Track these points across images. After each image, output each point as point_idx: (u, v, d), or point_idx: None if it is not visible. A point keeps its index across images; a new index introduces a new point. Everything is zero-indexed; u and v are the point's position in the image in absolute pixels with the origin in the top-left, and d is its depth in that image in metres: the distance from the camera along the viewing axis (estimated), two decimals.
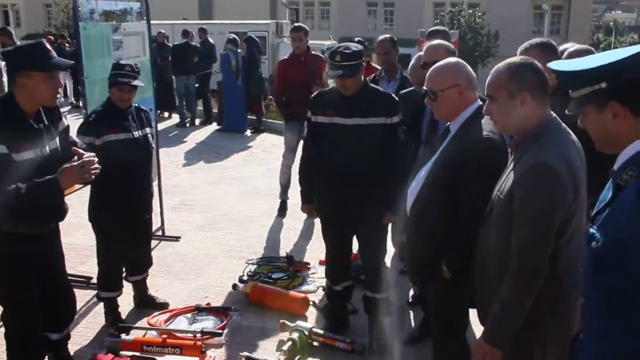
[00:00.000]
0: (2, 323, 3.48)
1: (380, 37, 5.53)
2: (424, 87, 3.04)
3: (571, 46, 3.79)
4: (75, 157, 3.08)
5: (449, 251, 2.90)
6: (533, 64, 2.42)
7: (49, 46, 3.17)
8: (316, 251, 5.86)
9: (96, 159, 3.11)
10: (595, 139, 1.90)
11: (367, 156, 3.84)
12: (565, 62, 1.95)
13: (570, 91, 1.87)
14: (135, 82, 4.21)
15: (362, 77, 3.93)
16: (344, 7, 37.47)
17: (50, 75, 3.10)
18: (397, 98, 4.06)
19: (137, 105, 4.42)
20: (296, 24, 7.12)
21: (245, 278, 5.08)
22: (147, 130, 4.44)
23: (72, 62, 3.48)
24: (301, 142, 6.82)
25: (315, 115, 4.04)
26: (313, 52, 7.12)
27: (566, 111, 2.00)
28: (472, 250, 2.74)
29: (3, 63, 6.09)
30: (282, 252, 5.79)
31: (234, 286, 4.92)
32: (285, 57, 7.19)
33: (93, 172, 3.08)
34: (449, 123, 3.00)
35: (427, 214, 2.97)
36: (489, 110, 2.51)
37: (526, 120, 2.40)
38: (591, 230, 1.86)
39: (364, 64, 3.87)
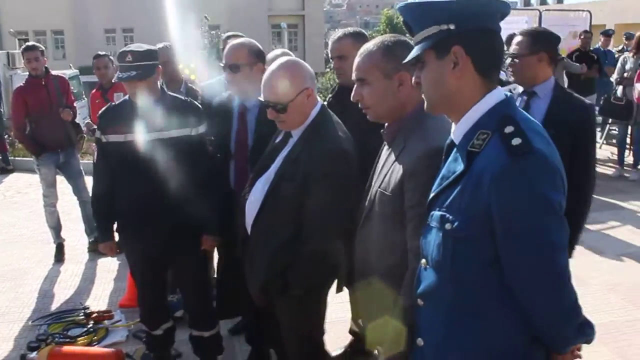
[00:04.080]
0: None
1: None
2: (263, 99, 2.69)
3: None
4: None
5: (298, 268, 2.63)
6: (406, 41, 2.16)
7: None
8: (113, 295, 5.11)
9: None
10: (431, 97, 1.73)
11: (174, 175, 3.30)
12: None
13: (413, 36, 1.71)
14: None
15: (159, 83, 3.42)
16: (79, 34, 35.26)
17: None
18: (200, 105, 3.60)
19: None
20: (28, 44, 6.10)
21: (35, 344, 4.16)
22: None
23: None
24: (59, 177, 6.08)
25: (106, 134, 3.40)
26: (54, 73, 6.20)
27: None
28: (324, 264, 2.61)
29: None
30: (74, 304, 4.93)
31: (23, 357, 4.01)
32: (22, 84, 6.11)
33: None
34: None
35: (274, 232, 2.67)
36: (358, 95, 2.20)
37: (406, 103, 2.13)
38: (437, 212, 1.67)
39: (159, 66, 3.36)
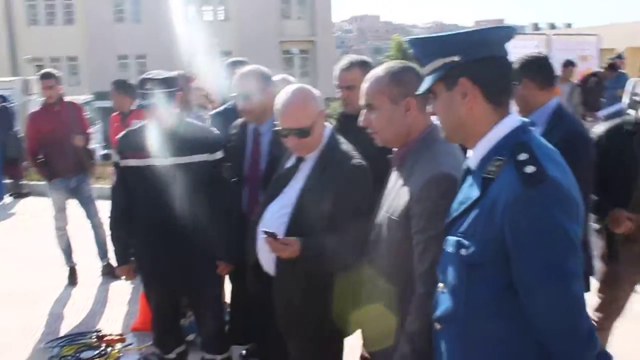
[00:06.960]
0: None
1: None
2: (282, 127, 2.70)
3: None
4: None
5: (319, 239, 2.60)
6: (413, 67, 2.21)
7: None
8: (125, 318, 5.15)
9: None
10: (445, 126, 1.79)
11: (192, 200, 3.36)
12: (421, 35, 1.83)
13: (422, 68, 1.78)
14: None
15: (178, 109, 3.48)
16: (93, 61, 35.69)
17: None
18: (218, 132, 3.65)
19: None
20: (44, 71, 6.22)
21: None
22: None
23: None
24: (69, 201, 6.15)
25: (125, 158, 3.46)
26: (68, 100, 6.30)
27: None
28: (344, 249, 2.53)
29: None
30: (86, 326, 4.98)
31: None
32: (36, 110, 6.24)
33: None
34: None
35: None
36: (367, 121, 2.24)
37: (412, 128, 2.18)
38: (453, 237, 1.68)
39: (179, 92, 3.44)
